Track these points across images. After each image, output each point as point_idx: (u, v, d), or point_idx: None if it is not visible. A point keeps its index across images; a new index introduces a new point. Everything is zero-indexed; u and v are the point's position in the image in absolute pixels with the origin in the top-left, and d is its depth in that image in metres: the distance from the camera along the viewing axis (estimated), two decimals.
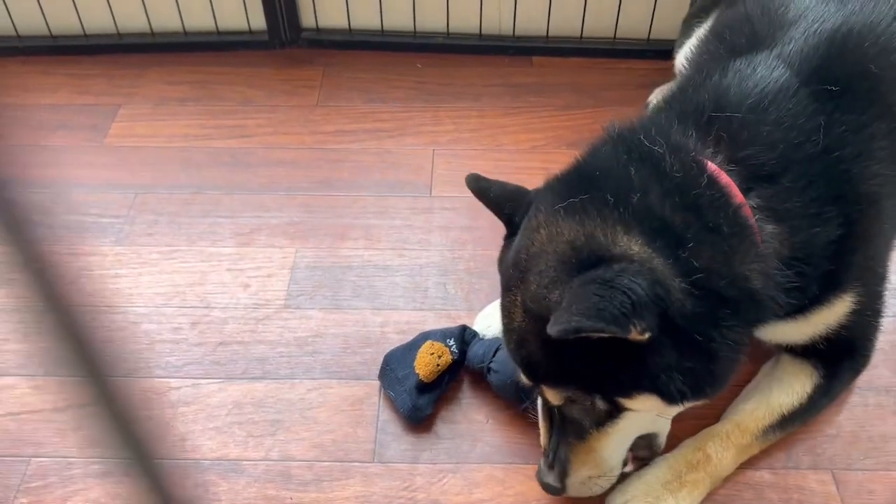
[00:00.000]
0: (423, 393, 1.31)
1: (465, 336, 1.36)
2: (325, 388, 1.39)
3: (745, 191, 1.06)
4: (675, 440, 1.25)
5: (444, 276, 1.57)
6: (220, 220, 1.69)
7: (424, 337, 1.37)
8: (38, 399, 1.37)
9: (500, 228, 1.64)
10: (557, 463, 1.14)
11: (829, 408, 1.34)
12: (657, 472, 1.21)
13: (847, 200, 1.09)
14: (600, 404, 1.07)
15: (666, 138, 1.08)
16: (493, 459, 1.28)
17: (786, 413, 1.26)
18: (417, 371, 1.31)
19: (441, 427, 1.33)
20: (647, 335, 0.94)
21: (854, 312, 1.20)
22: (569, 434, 1.13)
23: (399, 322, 1.48)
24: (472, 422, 1.34)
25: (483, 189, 1.22)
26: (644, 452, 1.20)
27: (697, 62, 1.33)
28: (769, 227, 1.06)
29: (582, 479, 1.14)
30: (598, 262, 0.97)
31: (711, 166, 1.05)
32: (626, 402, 1.05)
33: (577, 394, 1.07)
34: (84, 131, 1.91)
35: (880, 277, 1.22)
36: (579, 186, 1.06)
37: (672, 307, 0.96)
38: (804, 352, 1.27)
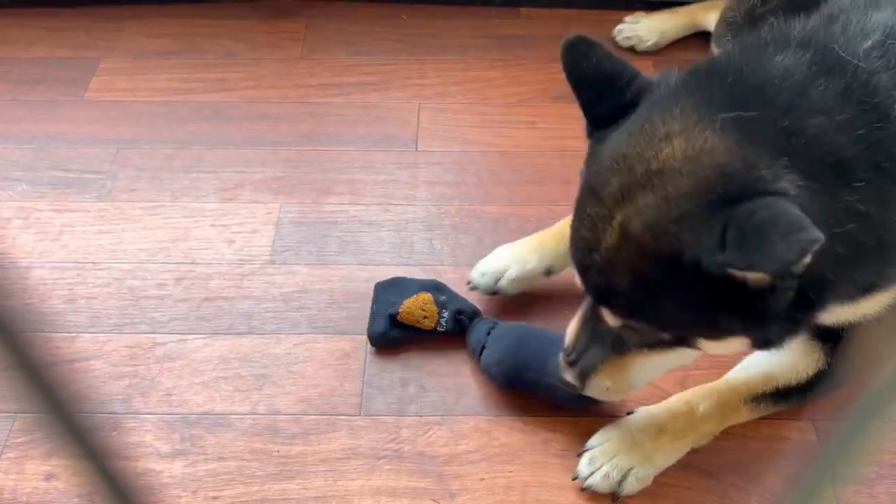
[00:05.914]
0: (396, 328, 1.35)
1: (437, 295, 1.37)
2: (311, 343, 1.39)
3: None
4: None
5: (429, 231, 1.56)
6: (203, 175, 1.67)
7: (422, 286, 1.38)
8: None
9: (486, 185, 1.64)
10: (580, 366, 1.07)
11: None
12: (637, 417, 1.21)
13: None
14: (664, 337, 0.98)
15: (857, 53, 0.90)
16: (478, 412, 1.29)
17: (780, 387, 1.21)
18: (400, 310, 1.34)
19: (427, 380, 1.34)
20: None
21: None
22: (605, 344, 1.04)
23: (385, 277, 1.47)
24: (459, 375, 1.34)
25: (575, 59, 0.98)
26: None
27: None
28: None
29: (602, 387, 1.09)
30: (743, 198, 0.82)
31: None
32: (710, 345, 0.96)
33: (646, 328, 0.97)
34: (63, 86, 1.87)
35: None
36: (741, 96, 0.87)
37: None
38: (819, 335, 1.18)
